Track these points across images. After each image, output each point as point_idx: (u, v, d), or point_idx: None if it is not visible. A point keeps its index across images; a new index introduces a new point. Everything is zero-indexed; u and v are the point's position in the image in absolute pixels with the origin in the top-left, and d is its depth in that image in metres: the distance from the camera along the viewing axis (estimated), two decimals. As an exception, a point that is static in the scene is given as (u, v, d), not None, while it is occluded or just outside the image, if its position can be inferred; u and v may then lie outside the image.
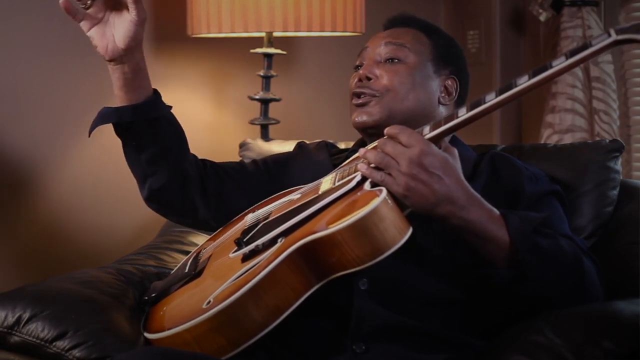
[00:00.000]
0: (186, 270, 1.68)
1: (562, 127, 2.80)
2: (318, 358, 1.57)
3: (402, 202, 1.48)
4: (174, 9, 2.68)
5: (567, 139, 2.75)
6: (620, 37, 1.38)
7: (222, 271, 1.57)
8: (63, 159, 2.56)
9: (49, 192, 2.54)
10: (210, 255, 1.70)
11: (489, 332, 1.60)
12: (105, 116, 1.70)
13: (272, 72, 2.63)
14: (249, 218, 1.73)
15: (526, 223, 1.53)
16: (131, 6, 1.60)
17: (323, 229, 1.44)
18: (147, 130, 1.73)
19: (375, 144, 1.61)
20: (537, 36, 2.99)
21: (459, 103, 1.82)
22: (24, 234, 2.51)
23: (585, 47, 1.41)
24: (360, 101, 1.78)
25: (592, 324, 1.47)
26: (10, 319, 1.63)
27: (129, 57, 1.66)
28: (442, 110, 1.81)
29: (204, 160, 1.88)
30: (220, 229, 1.85)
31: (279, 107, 2.71)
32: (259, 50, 2.60)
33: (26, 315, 1.63)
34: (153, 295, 1.68)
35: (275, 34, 2.57)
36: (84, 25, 1.64)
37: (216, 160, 1.90)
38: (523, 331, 1.49)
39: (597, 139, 2.61)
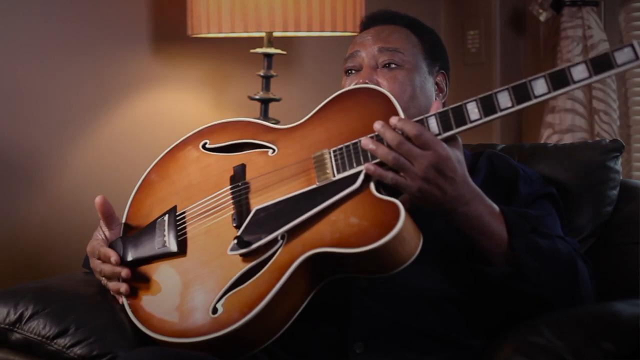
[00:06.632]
0: (167, 245, 1.58)
1: (562, 127, 2.80)
2: (318, 358, 1.57)
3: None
4: (174, 9, 2.67)
5: (567, 139, 2.75)
6: None
7: (223, 269, 1.52)
8: (63, 159, 2.56)
9: (49, 192, 2.54)
10: (191, 228, 1.59)
11: (487, 332, 1.60)
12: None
13: (272, 72, 2.63)
14: (234, 195, 1.60)
15: (524, 220, 1.53)
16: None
17: (338, 246, 1.43)
18: None
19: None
20: (537, 36, 2.99)
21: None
22: (23, 234, 2.51)
23: (610, 66, 1.38)
24: None
25: (592, 325, 1.47)
26: (12, 316, 1.64)
27: None
28: None
29: None
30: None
31: (279, 107, 2.71)
32: (259, 50, 2.60)
33: (28, 313, 1.63)
34: (128, 260, 1.59)
35: (275, 34, 2.57)
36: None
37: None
38: (522, 332, 1.49)
39: (597, 138, 2.60)
